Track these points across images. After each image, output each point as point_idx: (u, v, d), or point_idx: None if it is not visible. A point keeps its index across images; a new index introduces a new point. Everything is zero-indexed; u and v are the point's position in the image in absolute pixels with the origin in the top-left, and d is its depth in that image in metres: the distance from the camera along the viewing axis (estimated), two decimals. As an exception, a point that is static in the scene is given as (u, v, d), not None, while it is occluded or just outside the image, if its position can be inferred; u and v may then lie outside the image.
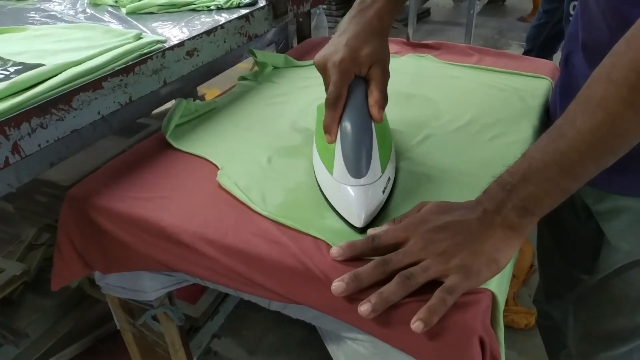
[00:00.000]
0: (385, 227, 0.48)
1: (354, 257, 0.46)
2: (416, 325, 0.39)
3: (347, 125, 0.52)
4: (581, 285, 0.72)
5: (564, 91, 0.65)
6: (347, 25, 0.56)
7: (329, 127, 0.53)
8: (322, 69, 0.55)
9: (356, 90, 0.54)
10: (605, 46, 0.42)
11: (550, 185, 0.41)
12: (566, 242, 0.78)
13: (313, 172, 0.58)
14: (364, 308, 0.41)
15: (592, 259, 0.68)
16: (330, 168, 0.53)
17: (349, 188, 0.51)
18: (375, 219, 0.51)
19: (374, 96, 0.53)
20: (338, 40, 0.55)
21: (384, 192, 0.52)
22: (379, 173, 0.52)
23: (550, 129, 0.43)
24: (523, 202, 0.42)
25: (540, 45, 2.26)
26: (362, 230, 0.50)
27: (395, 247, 0.45)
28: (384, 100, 0.54)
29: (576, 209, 0.68)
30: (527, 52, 2.33)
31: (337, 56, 0.53)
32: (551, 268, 0.86)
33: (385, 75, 0.55)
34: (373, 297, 0.41)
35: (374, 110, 0.53)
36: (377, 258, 0.44)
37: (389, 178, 0.54)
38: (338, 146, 0.52)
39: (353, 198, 0.50)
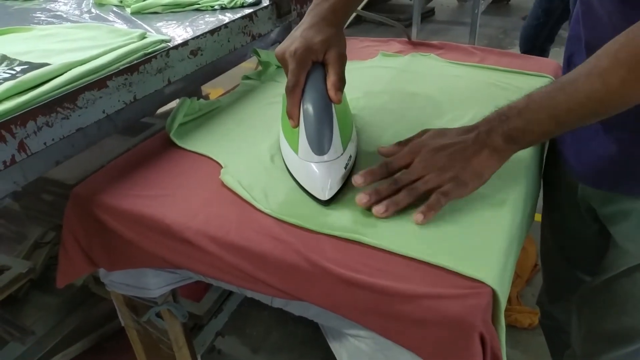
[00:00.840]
0: (393, 148, 0.57)
1: (374, 181, 0.54)
2: (417, 217, 0.50)
3: (308, 107, 0.56)
4: (584, 287, 0.72)
5: None
6: (304, 19, 0.60)
7: (291, 112, 0.57)
8: (282, 60, 0.59)
9: (315, 75, 0.57)
10: None
11: (537, 125, 0.49)
12: (569, 244, 0.78)
13: (281, 155, 0.61)
14: (378, 207, 0.51)
15: (595, 261, 0.68)
16: (295, 149, 0.57)
17: (312, 165, 0.55)
18: (338, 193, 0.55)
19: (331, 80, 0.57)
20: (295, 33, 0.59)
21: (345, 168, 0.56)
22: (341, 150, 0.56)
23: (557, 80, 0.49)
24: (511, 131, 0.50)
25: (540, 46, 2.22)
26: (326, 203, 0.54)
27: (405, 167, 0.54)
28: (340, 82, 0.57)
29: (580, 212, 0.68)
30: (526, 53, 2.28)
31: (293, 46, 0.57)
32: (554, 270, 0.86)
33: (341, 59, 0.59)
34: (385, 201, 0.51)
35: (332, 93, 0.56)
36: (390, 178, 0.53)
37: (350, 156, 0.58)
38: (302, 128, 0.56)
39: (317, 174, 0.54)
